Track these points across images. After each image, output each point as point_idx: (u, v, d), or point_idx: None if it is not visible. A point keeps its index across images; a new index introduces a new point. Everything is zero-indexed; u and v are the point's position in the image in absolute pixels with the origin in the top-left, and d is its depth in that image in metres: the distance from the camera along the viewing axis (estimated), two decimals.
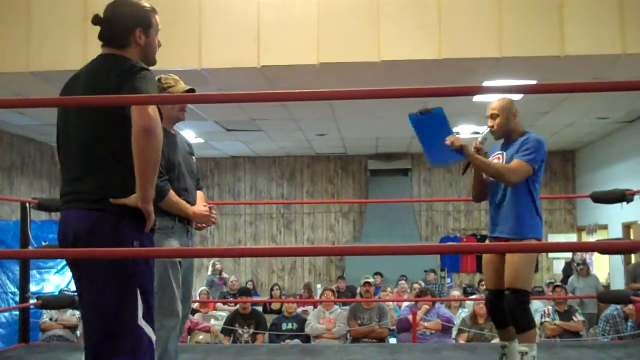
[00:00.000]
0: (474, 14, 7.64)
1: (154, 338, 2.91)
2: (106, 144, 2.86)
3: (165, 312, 3.77)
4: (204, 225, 4.09)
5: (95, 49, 3.15)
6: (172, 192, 3.82)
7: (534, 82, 8.49)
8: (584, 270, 11.25)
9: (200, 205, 4.04)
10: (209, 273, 14.19)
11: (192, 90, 3.99)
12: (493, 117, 4.50)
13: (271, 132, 12.99)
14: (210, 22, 7.76)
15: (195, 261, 4.15)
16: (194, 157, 4.20)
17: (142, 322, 2.83)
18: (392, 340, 8.83)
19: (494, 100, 4.56)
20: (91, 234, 2.81)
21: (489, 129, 4.53)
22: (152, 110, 2.73)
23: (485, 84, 8.56)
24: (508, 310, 4.37)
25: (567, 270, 12.99)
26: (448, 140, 4.28)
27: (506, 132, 4.50)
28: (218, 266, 14.04)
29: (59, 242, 2.95)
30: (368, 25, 7.70)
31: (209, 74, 7.92)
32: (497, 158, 4.51)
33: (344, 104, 10.14)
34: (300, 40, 7.72)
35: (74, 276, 2.99)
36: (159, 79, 3.96)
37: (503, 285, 4.41)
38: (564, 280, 12.51)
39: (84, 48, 7.64)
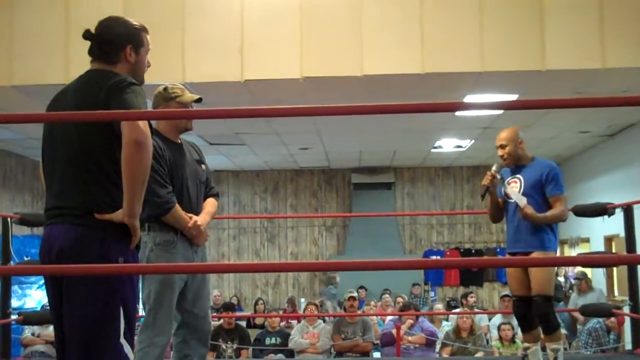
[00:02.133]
0: (457, 28, 7.70)
1: (131, 357, 2.88)
2: (93, 158, 2.85)
3: (158, 331, 3.73)
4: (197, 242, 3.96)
5: (77, 63, 3.16)
6: (177, 207, 3.77)
7: (515, 96, 8.55)
8: (583, 285, 10.82)
9: (200, 218, 3.93)
10: None
11: (199, 100, 3.98)
12: (503, 147, 4.99)
13: (255, 146, 12.98)
14: (194, 36, 7.77)
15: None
16: (203, 165, 4.13)
17: (122, 340, 2.81)
18: (376, 355, 8.83)
19: (502, 132, 5.06)
20: (75, 249, 2.79)
21: (502, 160, 5.03)
22: (143, 124, 2.72)
23: (468, 98, 8.62)
24: (541, 314, 4.82)
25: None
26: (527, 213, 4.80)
27: (516, 159, 4.99)
28: None
29: (40, 257, 2.92)
30: (351, 40, 7.73)
31: (192, 88, 7.90)
32: (514, 182, 4.98)
33: (327, 118, 10.15)
34: (284, 55, 7.74)
35: (51, 291, 2.94)
36: (165, 89, 3.95)
37: (528, 291, 4.87)
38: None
39: (66, 62, 7.62)
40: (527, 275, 4.89)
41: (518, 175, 4.99)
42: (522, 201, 4.82)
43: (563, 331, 8.80)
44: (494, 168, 4.97)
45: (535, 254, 4.83)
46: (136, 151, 2.70)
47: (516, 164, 5.02)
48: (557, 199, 4.84)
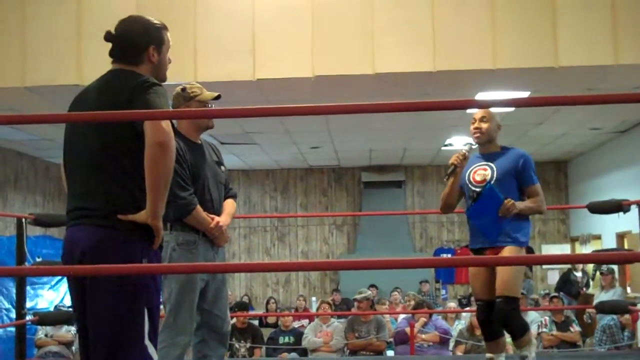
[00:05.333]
0: (468, 25, 7.68)
1: (155, 358, 2.88)
2: (116, 159, 2.83)
3: (179, 330, 3.74)
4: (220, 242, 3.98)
5: (89, 63, 3.17)
6: (199, 208, 3.78)
7: (527, 93, 8.53)
8: (608, 279, 10.25)
9: (222, 218, 3.94)
10: None
11: (218, 97, 3.99)
12: (483, 120, 4.57)
13: (265, 145, 12.98)
14: (206, 36, 7.77)
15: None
16: (222, 166, 4.14)
17: (147, 342, 2.81)
18: (390, 353, 8.81)
19: (480, 110, 4.65)
20: (99, 251, 2.78)
21: (475, 134, 4.58)
22: (166, 124, 2.71)
23: (480, 95, 8.60)
24: (501, 318, 4.38)
25: (562, 282, 12.90)
26: (510, 209, 4.39)
27: (488, 141, 4.58)
28: None
29: (63, 258, 2.91)
30: (363, 38, 7.72)
31: (205, 87, 7.91)
32: (482, 169, 4.54)
33: (338, 117, 10.15)
34: (296, 53, 7.74)
35: (74, 293, 2.94)
36: (184, 89, 3.96)
37: (493, 295, 4.41)
38: (561, 289, 12.39)
39: (78, 63, 7.64)
40: (494, 275, 4.42)
41: (489, 163, 4.54)
42: None
43: (577, 328, 8.78)
44: (465, 147, 4.59)
45: (508, 250, 4.37)
46: (159, 152, 2.69)
47: (486, 150, 4.60)
48: (534, 189, 4.51)
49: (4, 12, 7.91)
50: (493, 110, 4.74)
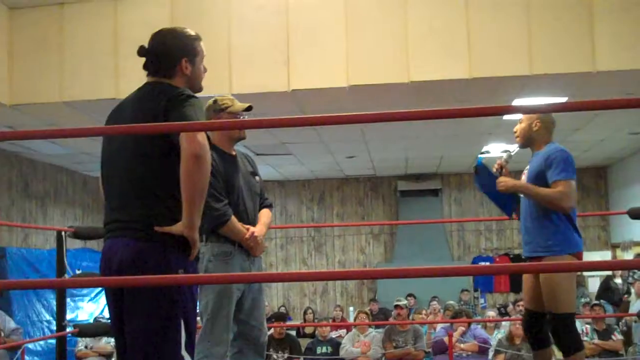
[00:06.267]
0: (503, 32, 7.61)
1: None
2: (152, 171, 2.86)
3: (215, 341, 3.75)
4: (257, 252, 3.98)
5: (127, 78, 3.20)
6: (233, 219, 3.79)
7: (565, 99, 8.43)
8: (637, 287, 10.14)
9: (257, 229, 3.95)
10: None
11: (250, 108, 4.00)
12: (520, 121, 4.53)
13: (301, 156, 13.00)
14: (240, 47, 7.81)
15: None
16: (257, 177, 4.16)
17: (184, 352, 2.82)
18: None
19: None
20: (136, 262, 2.80)
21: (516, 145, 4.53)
22: (202, 137, 2.72)
23: (516, 102, 8.51)
24: (553, 334, 4.24)
25: (603, 289, 12.68)
26: (499, 188, 4.32)
27: (528, 140, 4.47)
28: None
29: (101, 270, 2.94)
30: (397, 47, 7.69)
31: (239, 99, 7.94)
32: (524, 174, 4.47)
33: (373, 126, 10.12)
34: (330, 63, 7.73)
35: (112, 304, 2.96)
36: (215, 101, 3.98)
37: (539, 306, 4.29)
38: (601, 297, 12.17)
39: (116, 77, 7.73)
40: (538, 285, 4.27)
41: (528, 166, 4.44)
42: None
43: (619, 336, 8.63)
44: (504, 157, 4.53)
45: (547, 259, 4.18)
46: (195, 164, 2.70)
47: (532, 151, 4.45)
48: (556, 183, 4.15)
49: (43, 29, 8.04)
50: None
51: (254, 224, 3.96)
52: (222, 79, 7.70)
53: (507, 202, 4.46)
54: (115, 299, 2.92)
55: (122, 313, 2.88)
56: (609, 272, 12.73)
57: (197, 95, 3.07)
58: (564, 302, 4.16)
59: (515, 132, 4.52)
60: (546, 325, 4.31)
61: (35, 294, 10.82)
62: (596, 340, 8.55)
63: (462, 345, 8.38)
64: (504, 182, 4.34)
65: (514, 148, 4.56)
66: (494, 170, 4.50)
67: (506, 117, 9.63)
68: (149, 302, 2.79)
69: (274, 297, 16.02)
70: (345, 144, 11.82)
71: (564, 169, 4.19)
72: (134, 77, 3.13)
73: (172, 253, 2.83)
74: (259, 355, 3.96)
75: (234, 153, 4.05)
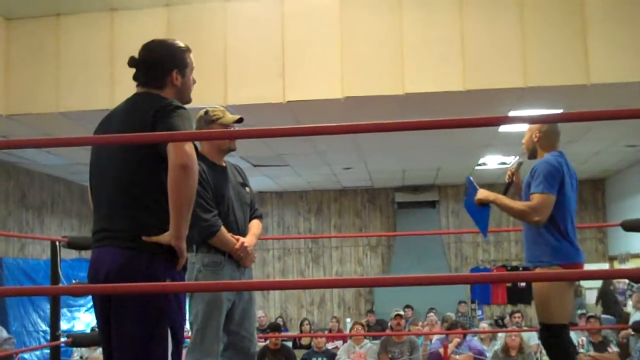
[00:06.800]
0: (498, 44, 7.64)
1: None
2: (140, 181, 2.87)
3: (206, 351, 3.75)
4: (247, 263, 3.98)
5: (122, 88, 3.20)
6: (223, 230, 3.80)
7: (560, 111, 8.44)
8: (634, 299, 10.25)
9: (247, 239, 3.96)
10: None
11: (241, 120, 4.01)
12: (525, 134, 4.53)
13: (298, 167, 13.02)
14: (236, 59, 7.84)
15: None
16: (247, 188, 4.17)
17: None
18: None
19: None
20: (123, 271, 2.81)
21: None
22: (189, 147, 2.74)
23: (511, 114, 8.53)
24: (544, 345, 4.24)
25: (600, 296, 12.65)
26: (476, 199, 4.36)
27: (532, 151, 4.48)
28: None
29: (89, 279, 2.95)
30: (392, 59, 7.72)
31: (234, 110, 7.96)
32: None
33: (369, 137, 10.15)
34: (325, 75, 7.76)
35: (99, 314, 2.97)
36: (206, 112, 4.00)
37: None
38: (600, 300, 12.08)
39: (112, 88, 7.77)
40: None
41: None
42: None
43: (615, 348, 8.63)
44: (514, 164, 4.55)
45: (538, 270, 4.18)
46: (182, 175, 2.72)
47: (536, 159, 4.43)
48: (532, 196, 4.15)
49: (40, 39, 8.08)
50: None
51: (244, 234, 3.97)
52: (218, 90, 7.73)
53: (483, 218, 4.46)
54: (102, 307, 2.93)
55: (109, 322, 2.89)
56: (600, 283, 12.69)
57: (187, 106, 3.08)
58: (554, 312, 4.14)
59: (523, 144, 4.55)
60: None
61: (32, 304, 10.84)
62: (592, 352, 8.54)
63: (457, 357, 8.36)
64: (480, 193, 4.37)
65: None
66: (506, 178, 4.55)
67: (502, 129, 9.67)
68: (136, 311, 2.80)
69: (271, 308, 16.01)
70: (341, 156, 11.84)
71: (542, 181, 4.16)
72: (129, 88, 3.15)
73: (159, 262, 2.84)
74: None
75: (224, 164, 4.06)
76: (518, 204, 4.26)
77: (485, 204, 4.39)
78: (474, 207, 4.47)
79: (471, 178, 4.58)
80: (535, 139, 4.42)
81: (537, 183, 4.17)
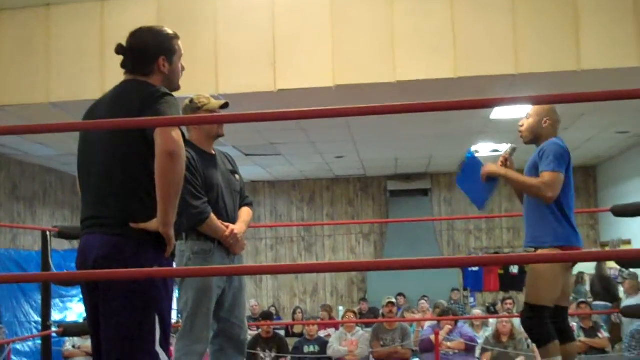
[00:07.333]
0: (489, 31, 7.63)
1: None
2: (127, 168, 2.87)
3: (195, 339, 3.76)
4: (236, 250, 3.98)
5: (113, 78, 3.19)
6: (212, 217, 3.80)
7: None
8: (626, 285, 10.21)
9: (237, 226, 3.96)
10: None
11: (226, 105, 4.02)
12: (526, 117, 4.45)
13: (290, 156, 13.01)
14: (227, 48, 7.82)
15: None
16: (237, 175, 4.16)
17: (158, 348, 2.83)
18: None
19: None
20: (111, 258, 2.81)
21: (519, 134, 4.48)
22: (176, 134, 2.73)
23: None
24: (524, 325, 4.29)
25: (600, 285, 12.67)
26: (483, 172, 4.32)
27: (535, 136, 4.42)
28: None
29: (77, 266, 2.95)
30: (383, 46, 7.71)
31: (225, 99, 7.95)
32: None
33: (361, 126, 10.15)
34: (316, 63, 7.75)
35: (88, 301, 2.98)
36: (191, 100, 4.00)
37: (560, 300, 4.31)
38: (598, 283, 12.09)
39: (102, 78, 7.73)
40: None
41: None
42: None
43: (605, 334, 8.67)
44: (507, 150, 4.50)
45: (540, 252, 4.20)
46: (169, 162, 2.71)
47: (536, 145, 4.41)
48: (543, 174, 4.16)
49: (29, 30, 8.03)
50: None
51: (234, 222, 3.97)
52: (209, 79, 7.71)
53: (483, 192, 4.46)
54: (90, 294, 2.94)
55: (97, 309, 2.89)
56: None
57: (177, 94, 3.08)
58: (541, 294, 4.19)
59: (521, 127, 4.46)
60: (567, 319, 4.37)
61: (24, 295, 10.83)
62: (582, 338, 8.58)
63: (448, 344, 8.40)
64: (489, 166, 4.34)
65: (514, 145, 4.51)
66: (499, 164, 4.46)
67: (494, 116, 9.69)
68: (124, 297, 2.80)
69: (264, 298, 16.03)
70: (333, 144, 11.84)
71: (553, 160, 4.18)
72: (120, 78, 3.14)
73: (147, 249, 2.83)
74: (239, 352, 3.97)
75: (213, 152, 4.06)
76: (531, 179, 4.24)
77: (492, 178, 4.36)
78: (470, 181, 4.44)
79: (473, 151, 4.50)
80: (545, 125, 4.38)
81: (548, 162, 4.18)
